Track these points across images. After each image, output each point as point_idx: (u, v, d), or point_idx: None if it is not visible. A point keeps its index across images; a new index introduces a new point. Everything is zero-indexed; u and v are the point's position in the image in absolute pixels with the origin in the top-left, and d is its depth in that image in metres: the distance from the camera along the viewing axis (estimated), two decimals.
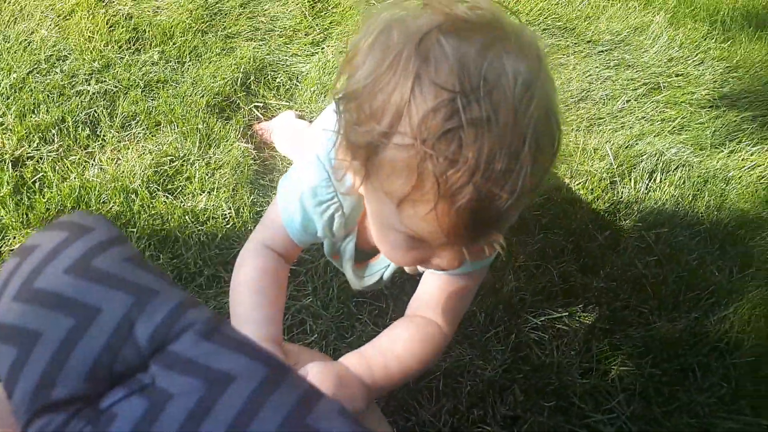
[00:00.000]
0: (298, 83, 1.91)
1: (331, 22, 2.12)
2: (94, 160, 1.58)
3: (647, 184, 1.81)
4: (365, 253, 1.05)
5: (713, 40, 2.44)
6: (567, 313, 1.47)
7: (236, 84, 1.82)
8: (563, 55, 2.23)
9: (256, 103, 1.82)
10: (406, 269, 0.92)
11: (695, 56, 2.36)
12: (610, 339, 1.44)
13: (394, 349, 0.93)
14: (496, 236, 0.71)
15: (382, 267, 1.08)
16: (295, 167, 0.97)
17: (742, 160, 1.98)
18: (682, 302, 1.53)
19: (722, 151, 2.00)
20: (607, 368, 1.40)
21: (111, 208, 1.48)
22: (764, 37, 2.52)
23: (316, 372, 0.82)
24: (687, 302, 1.53)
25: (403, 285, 1.41)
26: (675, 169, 1.88)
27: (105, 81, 1.74)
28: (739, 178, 1.91)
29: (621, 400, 1.35)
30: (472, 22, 0.63)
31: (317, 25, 2.10)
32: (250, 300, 0.94)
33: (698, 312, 1.52)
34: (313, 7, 2.15)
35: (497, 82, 0.59)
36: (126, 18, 1.93)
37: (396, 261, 0.85)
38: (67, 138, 1.60)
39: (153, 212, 1.49)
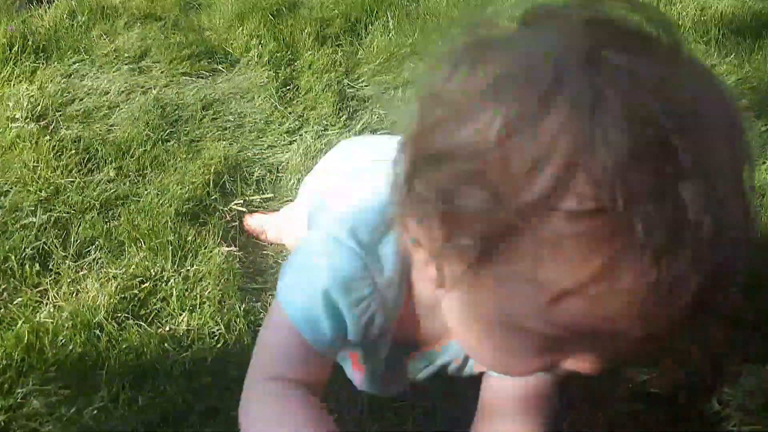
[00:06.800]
0: (279, 174, 1.66)
1: (304, 108, 1.90)
2: (47, 299, 1.29)
3: None
4: (401, 349, 0.75)
5: (715, 56, 2.26)
6: None
7: (208, 186, 1.57)
8: None
9: (236, 201, 1.56)
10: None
11: None
12: None
13: None
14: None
15: (444, 358, 0.78)
16: (307, 252, 0.66)
17: None
18: None
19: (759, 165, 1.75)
20: None
21: (72, 351, 1.17)
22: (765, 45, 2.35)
23: None
24: None
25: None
26: None
27: (54, 209, 1.48)
28: None
29: None
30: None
31: (290, 113, 1.88)
32: None
33: None
34: (282, 97, 1.94)
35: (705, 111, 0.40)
36: (74, 141, 1.69)
37: (510, 370, 0.57)
38: (11, 279, 1.32)
39: (124, 346, 1.18)
